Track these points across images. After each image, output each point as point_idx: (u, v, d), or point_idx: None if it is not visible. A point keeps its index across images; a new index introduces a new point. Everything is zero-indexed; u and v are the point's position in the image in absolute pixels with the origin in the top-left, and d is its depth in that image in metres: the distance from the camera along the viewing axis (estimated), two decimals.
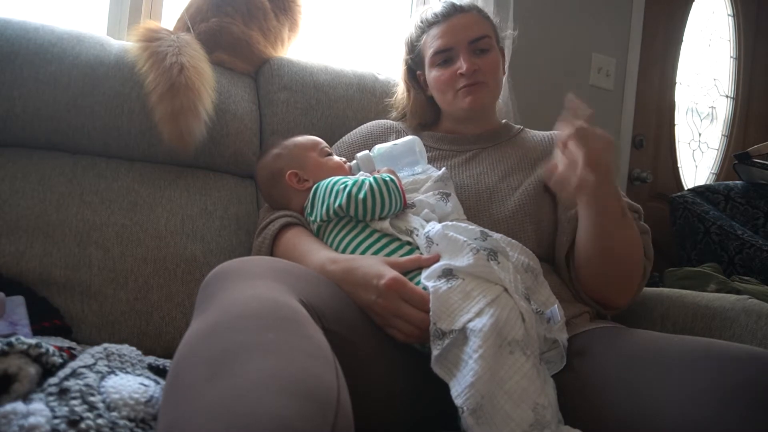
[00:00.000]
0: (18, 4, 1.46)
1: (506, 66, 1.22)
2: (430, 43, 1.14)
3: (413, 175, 1.01)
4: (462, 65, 1.09)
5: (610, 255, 0.94)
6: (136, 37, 1.18)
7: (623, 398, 0.73)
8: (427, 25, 1.15)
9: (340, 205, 0.89)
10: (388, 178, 0.89)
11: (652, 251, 1.01)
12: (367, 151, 1.04)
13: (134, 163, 1.20)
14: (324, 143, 1.07)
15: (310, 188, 0.97)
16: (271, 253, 0.97)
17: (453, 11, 1.13)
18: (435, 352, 0.72)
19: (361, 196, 0.88)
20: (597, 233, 0.93)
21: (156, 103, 1.12)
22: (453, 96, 1.13)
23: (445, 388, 0.71)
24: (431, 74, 1.15)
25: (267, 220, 1.01)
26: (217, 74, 1.23)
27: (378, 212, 0.88)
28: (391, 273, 0.78)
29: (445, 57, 1.12)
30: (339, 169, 1.02)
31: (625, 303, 1.01)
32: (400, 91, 1.26)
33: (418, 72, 1.20)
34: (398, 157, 1.03)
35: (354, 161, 1.04)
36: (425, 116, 1.22)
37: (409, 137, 1.07)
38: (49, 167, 1.13)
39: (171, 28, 1.29)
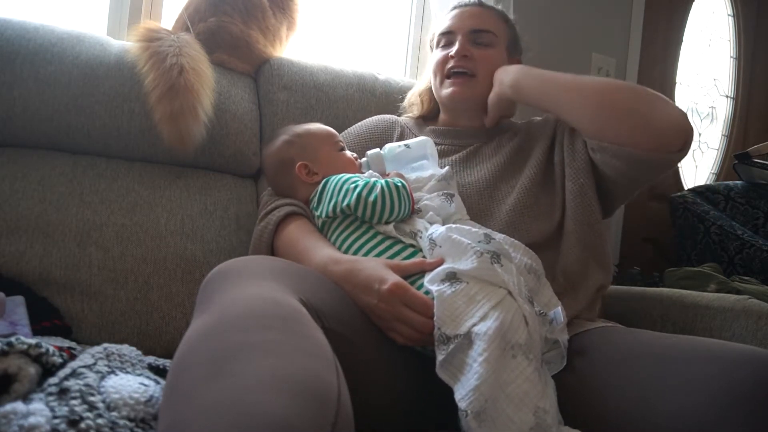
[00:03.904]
0: (18, 4, 1.46)
1: None
2: (439, 25, 1.16)
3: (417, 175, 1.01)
4: (454, 49, 1.10)
5: (584, 88, 0.99)
6: (137, 37, 1.17)
7: (623, 398, 0.73)
8: (448, 11, 1.17)
9: (348, 205, 0.88)
10: (400, 184, 0.89)
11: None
12: (378, 150, 1.02)
13: (134, 163, 1.20)
14: (338, 136, 1.05)
15: (319, 182, 0.96)
16: (273, 241, 0.96)
17: (473, 4, 1.15)
18: (440, 357, 0.71)
19: (371, 198, 0.87)
20: (552, 93, 1.02)
21: (155, 103, 1.12)
22: (440, 82, 1.14)
23: (444, 388, 0.71)
24: (432, 56, 1.17)
25: (272, 205, 0.99)
26: (216, 74, 1.22)
27: (386, 216, 0.88)
28: (393, 278, 0.77)
29: (446, 40, 1.13)
30: (350, 166, 1.00)
31: (654, 142, 0.91)
32: (425, 81, 1.25)
33: None
34: (409, 159, 1.02)
35: (364, 159, 1.03)
36: (430, 103, 1.23)
37: (422, 138, 1.05)
38: (49, 167, 1.13)
39: (170, 28, 1.28)
